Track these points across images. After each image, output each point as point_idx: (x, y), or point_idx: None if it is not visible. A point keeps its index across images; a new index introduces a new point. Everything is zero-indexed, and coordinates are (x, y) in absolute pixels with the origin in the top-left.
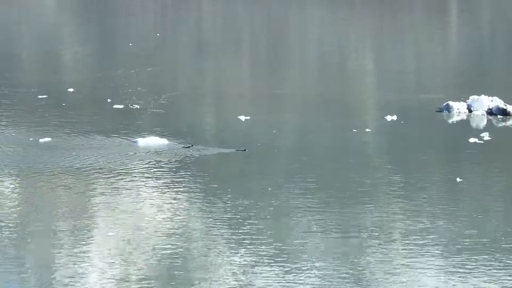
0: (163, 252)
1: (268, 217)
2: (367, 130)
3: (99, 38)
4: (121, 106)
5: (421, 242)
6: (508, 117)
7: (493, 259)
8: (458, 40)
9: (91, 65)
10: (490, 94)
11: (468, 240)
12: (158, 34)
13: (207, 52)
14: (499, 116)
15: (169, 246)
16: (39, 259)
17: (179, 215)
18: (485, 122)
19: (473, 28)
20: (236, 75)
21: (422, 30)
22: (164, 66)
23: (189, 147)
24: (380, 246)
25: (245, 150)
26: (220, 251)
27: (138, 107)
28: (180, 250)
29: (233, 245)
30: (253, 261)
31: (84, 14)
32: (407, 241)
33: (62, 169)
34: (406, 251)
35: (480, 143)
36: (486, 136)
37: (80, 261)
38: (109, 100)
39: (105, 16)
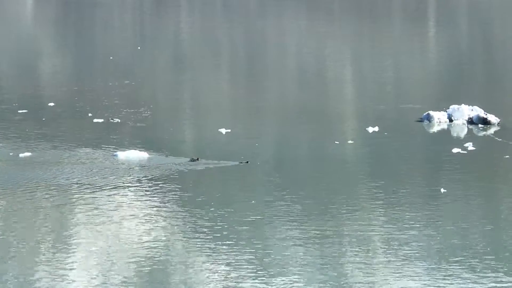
0: (144, 264)
1: (249, 227)
2: (349, 141)
3: (78, 51)
4: (101, 120)
5: (403, 251)
6: (488, 126)
7: (475, 268)
8: (436, 50)
9: (70, 78)
10: (470, 103)
11: (450, 249)
12: (139, 47)
13: (186, 64)
14: (479, 125)
15: (150, 258)
16: (19, 274)
17: (159, 227)
18: (466, 131)
19: (451, 37)
20: (215, 87)
21: (401, 40)
22: (144, 79)
23: (195, 160)
24: (362, 255)
25: (247, 162)
26: (201, 262)
27: (119, 120)
28: (160, 261)
29: (214, 255)
30: (234, 270)
31: (62, 27)
32: (389, 250)
33: (42, 184)
34: (388, 259)
35: (463, 153)
36: (470, 146)
37: (61, 274)
38: (90, 114)
39: (84, 28)
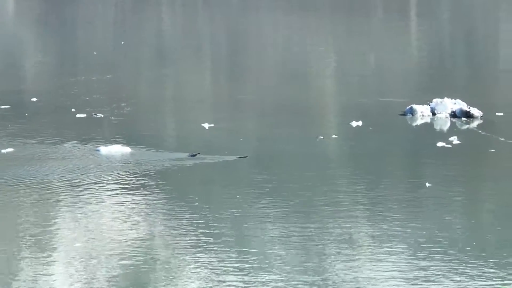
0: (127, 260)
1: (233, 224)
2: (333, 136)
3: (61, 46)
4: (84, 115)
5: (387, 246)
6: (471, 119)
7: (462, 264)
8: (418, 44)
9: (53, 73)
10: (453, 97)
11: (435, 243)
12: (122, 42)
13: (169, 59)
14: (463, 119)
15: (133, 254)
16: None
17: (143, 224)
18: (449, 124)
19: (433, 31)
20: (198, 82)
21: (382, 33)
22: (127, 74)
23: (194, 155)
24: (346, 250)
25: (246, 156)
26: (184, 259)
27: (102, 116)
28: (143, 258)
29: (198, 252)
30: (217, 268)
31: (44, 23)
32: (373, 245)
33: (25, 180)
34: (372, 254)
35: (448, 147)
36: (454, 140)
37: (42, 272)
38: (73, 110)
39: (66, 24)
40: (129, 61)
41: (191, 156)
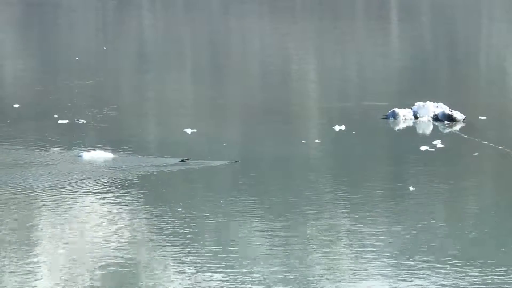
0: (110, 265)
1: (217, 227)
2: (316, 140)
3: (43, 52)
4: (67, 121)
5: (370, 249)
6: (454, 122)
7: (445, 267)
8: (399, 47)
9: (35, 79)
10: (435, 100)
11: (418, 247)
12: (104, 48)
13: (151, 64)
14: (445, 122)
15: (116, 259)
16: None
17: (125, 228)
18: (431, 128)
19: (414, 35)
20: (179, 87)
21: (363, 38)
22: (109, 79)
23: (184, 161)
24: (329, 254)
25: (237, 161)
26: (167, 262)
27: (84, 121)
28: (126, 263)
29: (181, 255)
30: (200, 271)
31: (25, 29)
32: (355, 248)
33: (6, 186)
34: (354, 257)
35: (431, 150)
36: (438, 143)
37: (25, 279)
38: (55, 116)
39: (47, 29)
40: (111, 66)
41: (182, 161)
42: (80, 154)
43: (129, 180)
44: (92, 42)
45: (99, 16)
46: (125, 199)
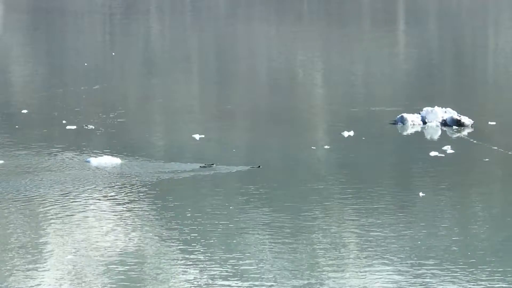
0: (117, 272)
1: (224, 233)
2: (326, 147)
3: (51, 58)
4: (75, 127)
5: (379, 255)
6: (462, 128)
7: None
8: (407, 52)
9: (44, 85)
10: (443, 105)
11: (429, 253)
12: (113, 53)
13: (159, 70)
14: (454, 127)
15: (123, 266)
16: None
17: (133, 234)
18: (440, 133)
19: (421, 39)
20: (187, 91)
21: (371, 43)
22: (118, 84)
23: (206, 166)
24: (338, 260)
25: (259, 166)
26: (174, 270)
27: (93, 127)
28: (133, 269)
29: (187, 262)
30: (206, 277)
31: (34, 34)
32: (365, 255)
33: (15, 191)
34: (363, 264)
35: (441, 156)
36: (448, 149)
37: (32, 283)
38: (64, 121)
39: (56, 35)
40: (120, 72)
41: (205, 167)
42: (88, 159)
43: (137, 186)
44: (100, 47)
45: (107, 21)
46: (133, 205)
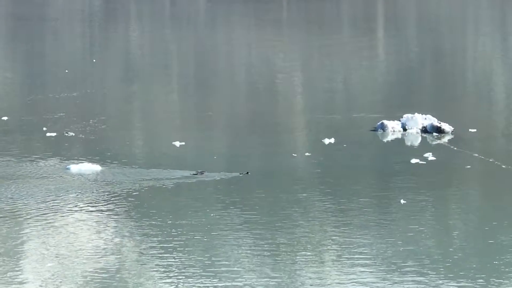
0: (97, 277)
1: (204, 239)
2: (306, 154)
3: (31, 63)
4: (55, 134)
5: (359, 262)
6: (442, 134)
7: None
8: (386, 59)
9: (24, 92)
10: (423, 112)
11: (409, 259)
12: (94, 60)
13: (139, 76)
14: (434, 134)
15: (103, 271)
16: None
17: (112, 240)
18: (420, 140)
19: (401, 47)
20: (167, 99)
21: (350, 50)
22: (98, 91)
23: (197, 174)
24: (318, 267)
25: (247, 173)
26: (154, 277)
27: (73, 134)
28: (113, 274)
29: (168, 270)
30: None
31: (14, 41)
32: (345, 261)
33: None
34: (342, 270)
35: (423, 163)
36: (429, 156)
37: None
38: (44, 128)
39: (36, 42)
40: (101, 78)
41: (196, 174)
42: (68, 166)
43: (117, 192)
44: (80, 54)
45: (87, 28)
46: (112, 212)
